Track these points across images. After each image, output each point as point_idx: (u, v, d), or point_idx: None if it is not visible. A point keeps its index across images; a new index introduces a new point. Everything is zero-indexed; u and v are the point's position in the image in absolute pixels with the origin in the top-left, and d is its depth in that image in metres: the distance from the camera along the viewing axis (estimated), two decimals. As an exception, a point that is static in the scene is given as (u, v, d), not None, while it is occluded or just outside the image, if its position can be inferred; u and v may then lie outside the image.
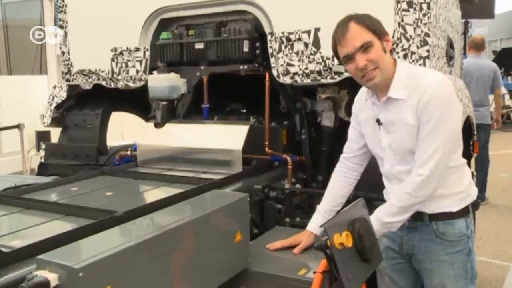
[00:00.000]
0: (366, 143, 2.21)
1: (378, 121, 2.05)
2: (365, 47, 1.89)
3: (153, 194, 2.52)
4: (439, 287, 2.09)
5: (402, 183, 2.02)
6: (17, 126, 7.37)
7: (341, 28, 1.93)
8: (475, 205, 2.11)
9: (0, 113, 8.97)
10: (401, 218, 2.00)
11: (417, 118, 1.92)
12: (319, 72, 2.86)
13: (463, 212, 2.05)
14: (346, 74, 2.80)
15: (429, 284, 2.14)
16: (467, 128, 3.31)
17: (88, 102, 3.78)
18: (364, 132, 2.18)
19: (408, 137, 1.97)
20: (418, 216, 2.05)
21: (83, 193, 2.52)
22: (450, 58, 3.18)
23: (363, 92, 2.14)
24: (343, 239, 1.72)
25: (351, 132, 2.26)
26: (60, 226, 1.99)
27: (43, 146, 3.81)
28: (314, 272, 1.89)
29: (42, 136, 7.59)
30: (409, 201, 1.98)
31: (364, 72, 1.93)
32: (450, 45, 3.19)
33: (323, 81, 2.88)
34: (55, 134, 4.30)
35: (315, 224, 2.25)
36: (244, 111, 3.65)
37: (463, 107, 3.03)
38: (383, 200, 2.16)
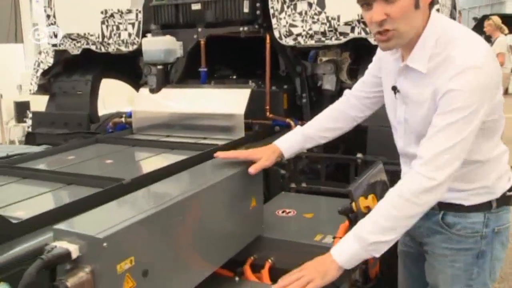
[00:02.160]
0: (381, 91, 1.81)
1: (394, 88, 1.67)
2: None
3: (156, 160, 2.41)
4: (432, 286, 1.78)
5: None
6: (-6, 97, 7.14)
7: None
8: (505, 200, 1.69)
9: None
10: (393, 237, 1.48)
11: (435, 100, 1.50)
12: (323, 33, 2.75)
13: (480, 207, 1.66)
14: (351, 35, 2.71)
15: (427, 279, 1.82)
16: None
17: (76, 69, 3.62)
18: (384, 87, 1.78)
19: (424, 116, 1.56)
20: None
21: (81, 162, 2.39)
22: (453, 19, 3.11)
23: None
24: (369, 202, 1.66)
25: (368, 74, 1.87)
26: (63, 195, 1.88)
27: (30, 115, 3.65)
28: (334, 238, 1.83)
29: (21, 107, 7.35)
30: (410, 211, 1.48)
31: (378, 28, 1.49)
32: (454, 6, 3.12)
33: (328, 42, 2.78)
34: (35, 104, 4.11)
35: (285, 142, 1.93)
36: (234, 77, 3.52)
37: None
38: (394, 164, 2.00)
